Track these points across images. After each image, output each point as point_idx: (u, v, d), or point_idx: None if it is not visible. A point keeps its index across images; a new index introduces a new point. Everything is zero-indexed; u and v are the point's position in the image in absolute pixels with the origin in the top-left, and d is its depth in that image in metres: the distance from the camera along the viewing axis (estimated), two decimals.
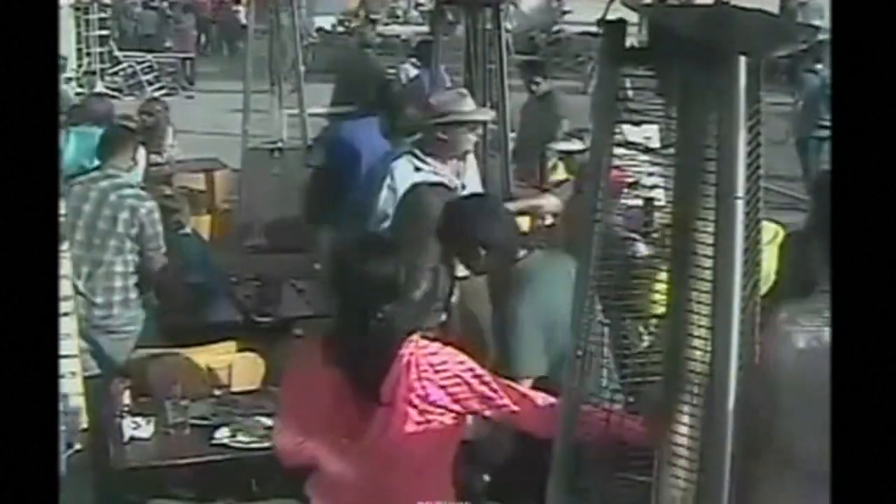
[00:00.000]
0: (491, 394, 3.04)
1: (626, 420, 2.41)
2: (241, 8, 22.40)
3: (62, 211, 4.52)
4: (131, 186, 5.39)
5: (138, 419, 4.13)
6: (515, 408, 3.05)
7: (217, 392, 4.47)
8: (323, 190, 6.08)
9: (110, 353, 5.21)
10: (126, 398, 4.21)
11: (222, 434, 4.11)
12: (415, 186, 4.86)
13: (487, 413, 3.09)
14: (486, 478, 3.75)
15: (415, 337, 3.03)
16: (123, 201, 5.25)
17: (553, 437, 2.47)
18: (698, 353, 2.19)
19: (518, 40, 19.64)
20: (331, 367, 2.98)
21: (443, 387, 2.99)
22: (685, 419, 2.24)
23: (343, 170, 5.81)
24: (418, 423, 2.98)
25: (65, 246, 4.49)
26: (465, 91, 5.49)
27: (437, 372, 2.99)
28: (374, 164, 5.40)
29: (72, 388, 4.60)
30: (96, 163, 5.57)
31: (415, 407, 2.97)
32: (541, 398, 3.09)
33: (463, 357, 3.07)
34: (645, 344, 2.62)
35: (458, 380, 3.01)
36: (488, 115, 5.62)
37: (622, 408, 2.43)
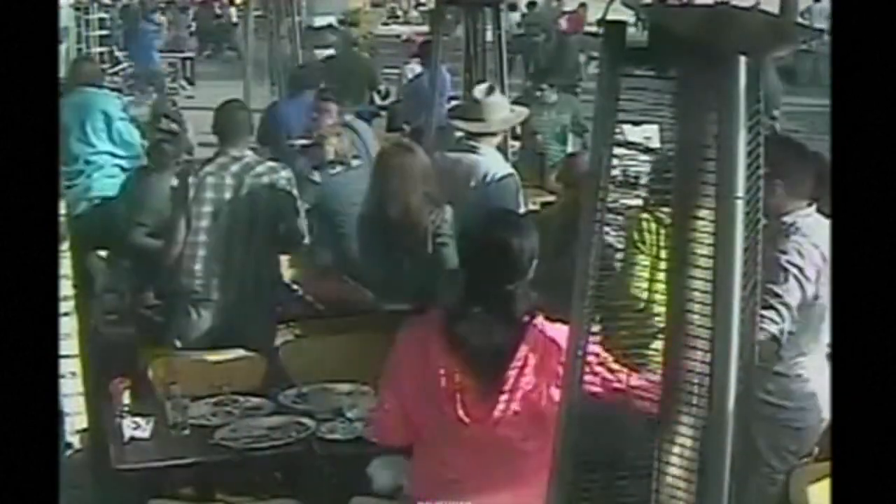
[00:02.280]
0: (610, 376, 3.03)
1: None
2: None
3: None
4: (260, 163, 5.32)
5: (138, 419, 4.13)
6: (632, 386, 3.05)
7: (217, 392, 4.46)
8: None
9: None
10: (126, 398, 4.21)
11: (222, 434, 4.11)
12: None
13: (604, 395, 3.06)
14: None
15: (538, 318, 3.02)
16: (260, 179, 5.18)
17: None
18: (698, 353, 2.19)
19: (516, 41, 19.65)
20: (452, 349, 2.97)
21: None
22: (685, 420, 2.24)
23: None
24: (538, 410, 2.98)
25: (64, 246, 4.49)
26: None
27: (561, 355, 2.98)
28: None
29: (72, 388, 4.59)
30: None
31: (539, 394, 2.97)
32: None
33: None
34: (644, 343, 2.62)
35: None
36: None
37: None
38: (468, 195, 5.24)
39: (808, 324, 3.78)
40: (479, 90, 5.63)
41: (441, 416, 3.00)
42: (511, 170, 5.52)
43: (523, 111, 6.06)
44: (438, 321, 3.04)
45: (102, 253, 6.32)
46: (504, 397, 2.97)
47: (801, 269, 3.71)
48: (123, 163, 7.17)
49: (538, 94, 8.90)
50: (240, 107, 5.65)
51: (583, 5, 21.93)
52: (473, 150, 5.42)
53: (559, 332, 3.01)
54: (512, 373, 2.96)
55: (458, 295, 3.08)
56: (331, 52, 11.84)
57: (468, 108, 5.69)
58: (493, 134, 5.52)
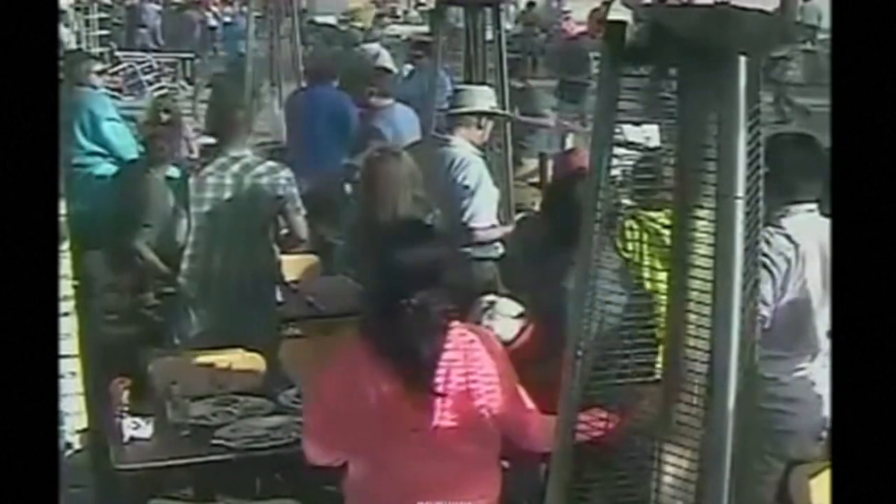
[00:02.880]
0: (519, 395, 3.05)
1: (624, 420, 2.42)
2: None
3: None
4: (260, 163, 5.32)
5: (138, 419, 4.13)
6: (530, 417, 3.07)
7: (217, 392, 4.46)
8: None
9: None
10: (126, 398, 4.21)
11: (222, 434, 4.11)
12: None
13: (504, 414, 3.06)
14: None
15: (456, 324, 3.03)
16: (260, 180, 5.20)
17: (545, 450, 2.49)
18: (698, 352, 2.19)
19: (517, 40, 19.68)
20: (376, 361, 2.95)
21: (489, 375, 2.99)
22: (685, 419, 2.24)
23: None
24: (471, 413, 2.98)
25: (65, 246, 4.49)
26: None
27: (483, 360, 3.00)
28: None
29: (72, 388, 4.59)
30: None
31: (469, 396, 2.97)
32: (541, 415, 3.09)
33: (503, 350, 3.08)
34: (645, 344, 2.62)
35: (497, 372, 3.02)
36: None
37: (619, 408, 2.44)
38: (437, 184, 5.32)
39: (783, 325, 3.75)
40: (465, 85, 5.76)
41: (381, 430, 2.97)
42: (478, 158, 5.59)
43: (504, 113, 6.15)
44: (361, 338, 3.02)
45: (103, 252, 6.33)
46: (440, 402, 2.95)
47: (771, 260, 3.69)
48: (113, 163, 7.17)
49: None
50: (237, 106, 5.65)
51: (606, 3, 21.56)
52: (445, 142, 5.55)
53: (479, 333, 3.06)
54: (440, 378, 2.95)
55: (376, 308, 3.05)
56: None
57: (451, 98, 5.83)
58: (467, 126, 5.60)
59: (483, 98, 5.73)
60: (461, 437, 2.99)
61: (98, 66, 8.30)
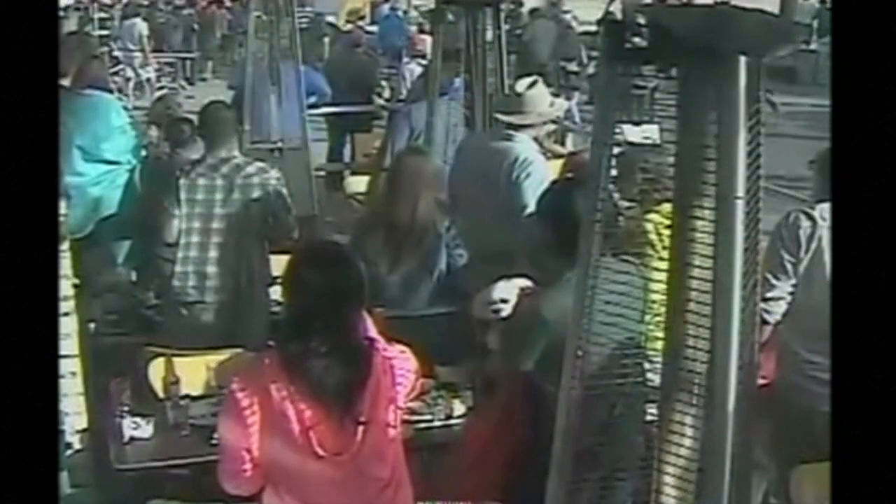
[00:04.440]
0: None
1: None
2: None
3: (62, 211, 4.48)
4: (249, 163, 5.34)
5: (138, 419, 4.14)
6: None
7: (217, 392, 4.46)
8: None
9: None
10: (126, 398, 4.21)
11: None
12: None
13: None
14: None
15: (379, 341, 2.98)
16: (251, 180, 5.22)
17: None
18: (698, 353, 2.19)
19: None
20: (296, 385, 2.87)
21: (405, 390, 2.98)
22: (685, 420, 2.24)
23: None
24: (392, 435, 2.95)
25: (65, 246, 4.49)
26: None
27: (403, 376, 2.98)
28: None
29: (72, 388, 4.59)
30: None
31: (394, 414, 2.95)
32: None
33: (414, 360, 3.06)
34: (645, 344, 2.62)
35: (411, 384, 3.02)
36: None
37: None
38: (499, 178, 5.32)
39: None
40: (521, 84, 5.71)
41: (298, 455, 2.89)
42: (542, 158, 5.57)
43: (563, 104, 6.13)
44: (274, 362, 2.92)
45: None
46: (361, 427, 2.89)
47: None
48: (127, 170, 7.16)
49: None
50: (224, 107, 5.65)
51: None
52: (509, 137, 5.50)
53: (397, 354, 3.01)
54: (366, 401, 2.89)
55: (289, 331, 2.96)
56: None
57: (509, 101, 5.78)
58: (531, 126, 5.57)
59: (544, 100, 5.65)
60: (381, 461, 2.95)
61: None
